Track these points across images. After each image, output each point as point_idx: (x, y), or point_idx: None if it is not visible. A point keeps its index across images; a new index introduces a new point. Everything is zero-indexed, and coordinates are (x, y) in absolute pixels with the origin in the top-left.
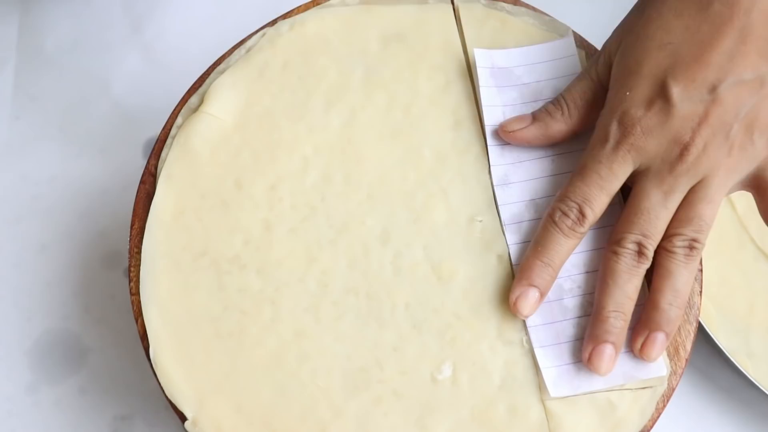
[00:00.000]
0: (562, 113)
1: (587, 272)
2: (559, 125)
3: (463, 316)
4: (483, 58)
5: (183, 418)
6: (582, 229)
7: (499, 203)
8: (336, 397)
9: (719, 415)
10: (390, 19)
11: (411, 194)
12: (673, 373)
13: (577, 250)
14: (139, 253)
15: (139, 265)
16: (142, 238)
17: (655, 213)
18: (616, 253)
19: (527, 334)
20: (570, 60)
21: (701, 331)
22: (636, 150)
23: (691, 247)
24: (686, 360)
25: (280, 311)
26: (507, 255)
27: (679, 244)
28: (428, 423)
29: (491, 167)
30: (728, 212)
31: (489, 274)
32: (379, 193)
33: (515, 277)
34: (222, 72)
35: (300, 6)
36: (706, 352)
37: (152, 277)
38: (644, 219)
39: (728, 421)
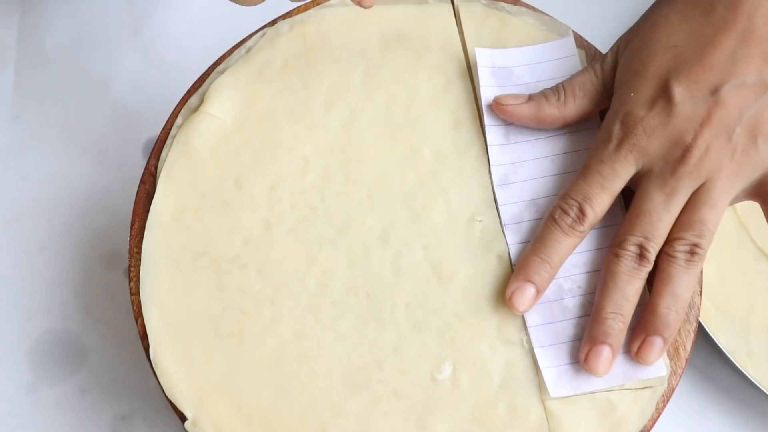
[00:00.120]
0: (558, 99)
1: (588, 272)
2: (552, 109)
3: (463, 315)
4: (484, 58)
5: (183, 418)
6: (582, 228)
7: (499, 203)
8: (336, 397)
9: (719, 415)
10: (390, 19)
11: (411, 194)
12: (673, 373)
13: (577, 250)
14: (139, 253)
15: (139, 265)
16: (142, 238)
17: (657, 215)
18: (617, 255)
19: (527, 333)
20: (570, 60)
21: (701, 331)
22: (638, 150)
23: (692, 252)
24: (686, 360)
25: (280, 311)
26: (507, 255)
27: (679, 248)
28: (428, 423)
29: (491, 167)
30: (728, 212)
31: (489, 274)
32: (379, 193)
33: (513, 273)
34: (222, 72)
35: (300, 6)
36: (706, 352)
37: (152, 277)
38: (646, 221)
39: (728, 421)
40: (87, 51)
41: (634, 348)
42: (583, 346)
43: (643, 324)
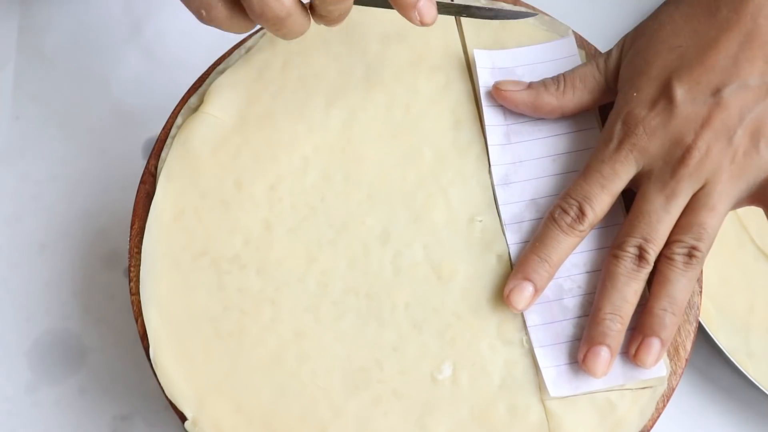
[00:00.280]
0: (557, 88)
1: (587, 272)
2: (550, 98)
3: (463, 315)
4: (483, 59)
5: (183, 418)
6: (581, 228)
7: (499, 203)
8: (336, 397)
9: (719, 415)
10: (390, 19)
11: (411, 194)
12: (673, 373)
13: (577, 250)
14: (139, 253)
15: (139, 265)
16: (142, 238)
17: (657, 217)
18: (616, 256)
19: (527, 333)
20: (571, 60)
21: (701, 331)
22: (638, 150)
23: (690, 255)
24: (686, 360)
25: (280, 311)
26: (507, 255)
27: (678, 251)
28: (428, 423)
29: (492, 167)
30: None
31: (489, 273)
32: (379, 193)
33: (512, 271)
34: (222, 72)
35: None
36: (706, 352)
37: (152, 277)
38: (645, 223)
39: (728, 421)
40: (87, 51)
41: (632, 350)
42: (581, 346)
43: (639, 326)
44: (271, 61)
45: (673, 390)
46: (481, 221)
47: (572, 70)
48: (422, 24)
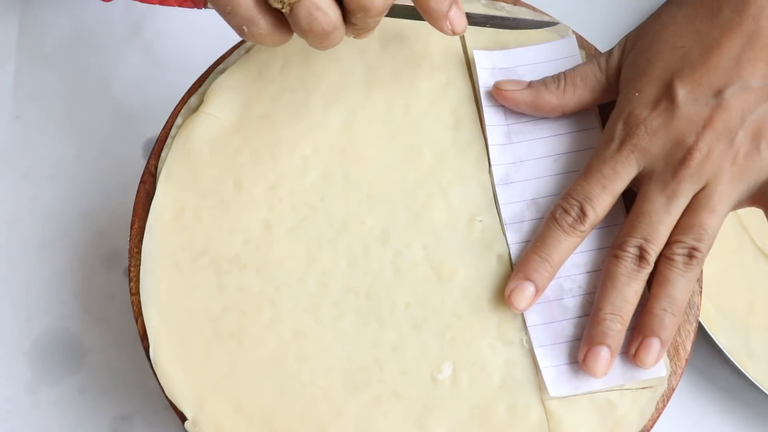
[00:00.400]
0: (558, 87)
1: (588, 272)
2: (550, 97)
3: (463, 315)
4: (483, 60)
5: (183, 418)
6: (582, 228)
7: (500, 202)
8: (336, 397)
9: (719, 415)
10: (390, 19)
11: (411, 194)
12: (673, 373)
13: (577, 250)
14: (139, 253)
15: (139, 265)
16: (142, 238)
17: (658, 217)
18: (617, 256)
19: (527, 333)
20: (571, 60)
21: (701, 331)
22: (639, 150)
23: (690, 256)
24: (686, 360)
25: (280, 311)
26: (507, 255)
27: (678, 251)
28: (428, 423)
29: (493, 166)
30: None
31: (489, 273)
32: (379, 193)
33: (513, 271)
34: (222, 72)
35: None
36: (706, 352)
37: (152, 277)
38: (646, 223)
39: (728, 421)
40: (87, 51)
41: (632, 350)
42: (581, 346)
43: (639, 326)
44: (270, 61)
45: (673, 390)
46: (481, 221)
47: (573, 69)
48: (453, 33)
